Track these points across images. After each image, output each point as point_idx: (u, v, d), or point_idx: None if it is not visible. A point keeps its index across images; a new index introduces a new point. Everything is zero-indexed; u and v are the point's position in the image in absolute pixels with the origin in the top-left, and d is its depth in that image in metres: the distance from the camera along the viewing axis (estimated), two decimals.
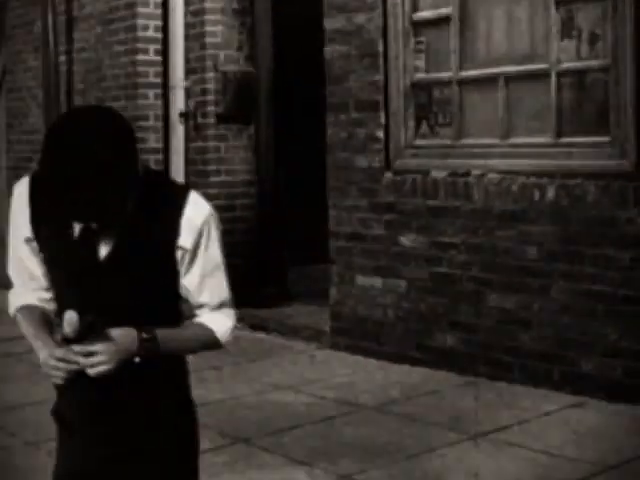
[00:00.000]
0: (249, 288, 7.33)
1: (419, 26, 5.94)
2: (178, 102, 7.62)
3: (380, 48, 6.02)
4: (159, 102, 7.73)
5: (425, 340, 5.82)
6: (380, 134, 6.06)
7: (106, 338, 2.14)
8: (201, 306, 2.31)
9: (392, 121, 6.02)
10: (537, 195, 5.21)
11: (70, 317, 2.12)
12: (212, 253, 2.26)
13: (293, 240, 7.81)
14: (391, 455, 4.28)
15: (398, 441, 4.46)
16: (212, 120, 7.42)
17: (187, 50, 7.56)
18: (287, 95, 7.75)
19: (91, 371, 2.13)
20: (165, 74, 7.68)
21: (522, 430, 4.56)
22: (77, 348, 2.13)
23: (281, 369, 5.93)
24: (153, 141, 7.68)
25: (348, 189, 6.28)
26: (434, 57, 5.90)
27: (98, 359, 2.12)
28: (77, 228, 2.19)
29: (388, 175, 6.03)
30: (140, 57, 7.70)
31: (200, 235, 2.23)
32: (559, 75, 5.21)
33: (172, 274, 2.25)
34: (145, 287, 2.23)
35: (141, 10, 7.68)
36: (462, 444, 4.40)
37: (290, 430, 4.67)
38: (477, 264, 5.52)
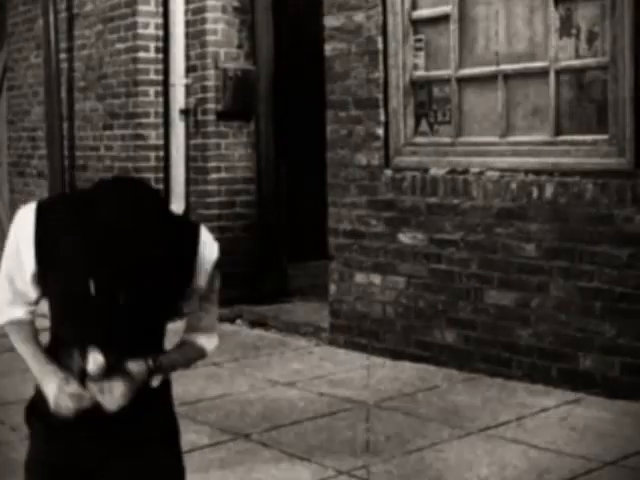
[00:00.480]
0: (248, 284, 7.36)
1: (418, 24, 5.96)
2: (178, 99, 7.63)
3: (380, 46, 6.04)
4: (160, 99, 7.75)
5: (424, 337, 5.84)
6: (379, 132, 6.08)
7: (124, 374, 2.17)
8: (196, 329, 2.46)
9: (391, 119, 6.04)
10: (535, 193, 5.24)
11: (95, 358, 2.12)
12: (215, 287, 2.42)
13: (293, 236, 7.83)
14: (390, 451, 4.30)
15: (397, 437, 4.48)
16: (212, 117, 7.44)
17: (187, 48, 7.58)
18: (287, 92, 7.77)
19: (108, 407, 2.17)
20: (166, 71, 7.69)
21: (520, 426, 4.58)
22: (94, 387, 2.15)
23: (280, 365, 5.94)
24: (153, 138, 7.70)
25: (347, 186, 6.29)
26: (433, 55, 5.91)
27: (116, 395, 2.17)
28: (93, 283, 2.17)
29: (387, 172, 6.05)
30: (141, 55, 7.72)
31: (212, 275, 2.36)
32: (558, 73, 5.22)
33: (179, 306, 2.38)
34: (155, 322, 2.33)
35: (142, 8, 7.70)
36: (460, 440, 4.42)
37: (289, 426, 4.69)
38: (476, 261, 5.54)
